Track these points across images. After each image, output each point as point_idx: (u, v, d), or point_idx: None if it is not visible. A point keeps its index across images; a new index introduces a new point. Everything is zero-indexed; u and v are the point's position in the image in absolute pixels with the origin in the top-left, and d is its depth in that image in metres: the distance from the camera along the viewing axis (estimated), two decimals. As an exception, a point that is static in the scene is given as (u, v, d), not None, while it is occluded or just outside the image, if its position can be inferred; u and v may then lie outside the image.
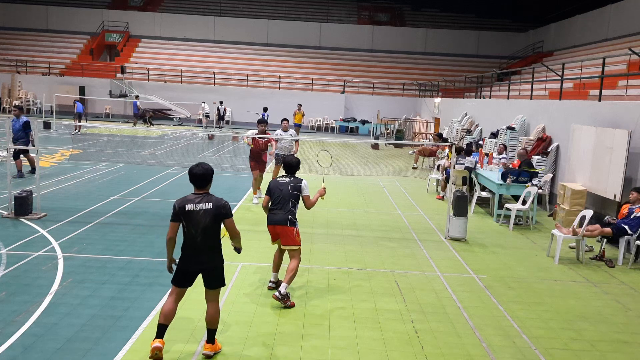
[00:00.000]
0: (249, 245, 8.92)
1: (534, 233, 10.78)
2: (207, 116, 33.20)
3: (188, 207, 5.07)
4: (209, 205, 5.09)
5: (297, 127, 29.24)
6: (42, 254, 7.87)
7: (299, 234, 6.73)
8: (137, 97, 32.73)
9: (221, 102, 32.82)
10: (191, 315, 6.06)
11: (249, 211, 11.41)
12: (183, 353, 5.26)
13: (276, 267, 7.01)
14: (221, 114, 32.72)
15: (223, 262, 5.30)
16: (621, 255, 8.81)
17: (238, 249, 5.48)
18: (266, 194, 6.76)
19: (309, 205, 6.75)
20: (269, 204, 6.72)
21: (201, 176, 5.14)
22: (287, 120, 13.40)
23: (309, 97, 35.84)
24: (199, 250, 5.15)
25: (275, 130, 13.31)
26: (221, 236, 5.35)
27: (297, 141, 13.30)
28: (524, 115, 15.96)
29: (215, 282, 5.26)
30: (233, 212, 10.95)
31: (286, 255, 6.86)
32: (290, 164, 6.88)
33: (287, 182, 6.68)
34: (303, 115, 29.80)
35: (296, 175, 6.86)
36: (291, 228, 6.61)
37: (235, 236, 5.34)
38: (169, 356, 5.18)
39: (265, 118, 26.21)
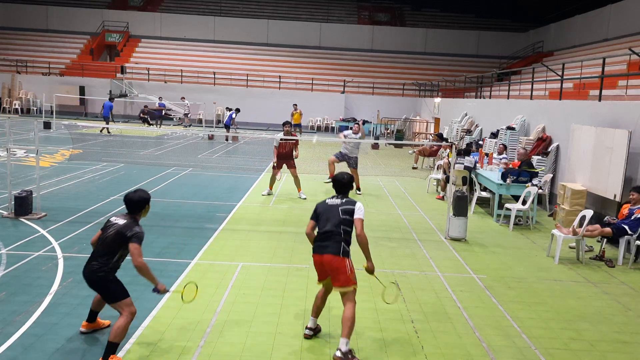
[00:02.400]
0: (248, 245, 8.93)
1: (534, 233, 10.78)
2: (186, 115, 33.20)
3: (112, 218, 5.32)
4: (121, 222, 5.22)
5: (297, 127, 29.27)
6: (42, 254, 7.87)
7: (353, 269, 5.46)
8: (160, 98, 32.87)
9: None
10: (191, 316, 6.06)
11: (249, 211, 11.41)
12: (183, 353, 5.26)
13: (316, 311, 5.73)
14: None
15: (107, 278, 5.11)
16: (621, 255, 8.81)
17: (156, 290, 5.20)
18: (312, 218, 5.67)
19: (359, 231, 5.39)
20: (316, 230, 5.62)
21: (131, 202, 5.32)
22: (359, 125, 13.97)
23: (309, 97, 35.85)
24: (92, 256, 5.23)
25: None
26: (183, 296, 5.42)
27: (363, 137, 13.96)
28: (524, 115, 15.96)
29: (103, 294, 5.17)
30: (232, 212, 11.03)
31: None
32: (341, 182, 5.71)
33: (338, 205, 5.54)
34: (300, 114, 29.84)
35: (347, 195, 5.72)
36: (343, 260, 5.35)
37: (137, 265, 5.05)
38: (167, 357, 5.18)
39: (233, 116, 26.32)
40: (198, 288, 5.60)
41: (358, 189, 13.87)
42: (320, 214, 5.58)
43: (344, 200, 5.58)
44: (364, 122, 35.42)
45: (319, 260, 5.47)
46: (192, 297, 5.50)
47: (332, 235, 5.40)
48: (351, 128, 13.97)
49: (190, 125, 33.30)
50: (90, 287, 5.20)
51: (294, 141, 12.91)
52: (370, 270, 5.54)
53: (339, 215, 5.46)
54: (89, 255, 5.29)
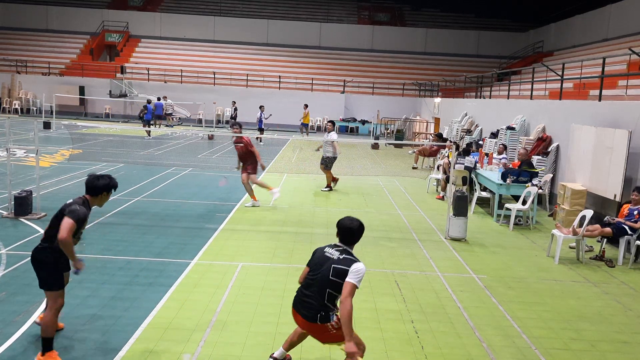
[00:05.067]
0: (248, 245, 8.92)
1: (534, 233, 10.78)
2: (169, 114, 33.18)
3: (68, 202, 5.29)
4: (69, 201, 5.21)
5: (304, 126, 29.42)
6: (42, 254, 7.85)
7: (340, 324, 4.41)
8: (158, 98, 32.77)
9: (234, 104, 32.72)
10: (191, 316, 6.06)
11: (249, 211, 11.41)
12: (183, 353, 5.25)
13: (288, 344, 5.01)
14: (232, 114, 32.75)
15: (46, 260, 5.00)
16: (621, 255, 8.81)
17: (76, 272, 5.08)
18: (307, 264, 4.73)
19: (343, 297, 4.30)
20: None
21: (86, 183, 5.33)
22: (332, 123, 14.26)
23: (309, 97, 35.83)
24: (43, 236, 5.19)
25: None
26: None
27: (333, 142, 13.81)
28: (524, 115, 15.96)
29: (38, 275, 5.07)
30: (232, 212, 11.02)
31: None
32: (349, 230, 4.54)
33: (333, 260, 4.43)
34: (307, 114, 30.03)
35: (351, 249, 4.59)
36: (323, 325, 4.47)
37: (60, 238, 4.88)
38: (167, 356, 5.17)
39: (262, 117, 26.08)
40: None
41: (328, 186, 14.05)
42: (314, 262, 4.61)
43: (342, 257, 4.41)
44: (364, 122, 35.63)
45: (295, 317, 4.66)
46: None
47: (313, 294, 4.46)
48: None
49: (174, 125, 33.07)
50: (32, 265, 5.09)
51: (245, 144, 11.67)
52: (350, 354, 4.24)
53: (328, 273, 4.39)
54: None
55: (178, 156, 19.34)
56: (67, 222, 4.94)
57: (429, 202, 13.45)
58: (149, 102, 29.33)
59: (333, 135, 13.88)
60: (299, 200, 12.80)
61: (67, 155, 18.28)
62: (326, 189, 13.99)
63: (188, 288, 6.87)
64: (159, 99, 32.27)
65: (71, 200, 5.19)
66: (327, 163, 13.94)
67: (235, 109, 31.66)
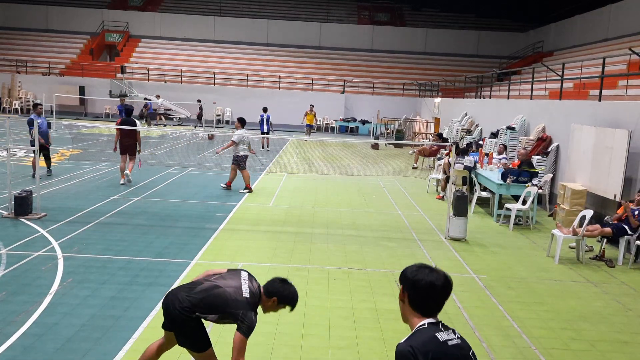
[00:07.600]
0: (248, 245, 8.92)
1: (534, 233, 10.78)
2: (160, 113, 33.29)
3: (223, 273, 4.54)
4: (232, 285, 4.34)
5: (310, 127, 29.43)
6: (42, 254, 7.86)
7: None
8: (144, 98, 32.74)
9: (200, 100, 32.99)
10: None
11: (249, 211, 11.42)
12: (183, 353, 5.25)
13: None
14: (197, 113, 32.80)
15: (188, 327, 4.29)
16: (621, 255, 8.81)
17: None
18: None
19: None
20: None
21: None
22: (238, 120, 13.85)
23: (309, 97, 35.83)
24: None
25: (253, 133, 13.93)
26: None
27: (232, 141, 13.36)
28: (524, 115, 15.96)
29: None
30: (232, 212, 11.03)
31: None
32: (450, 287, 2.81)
33: (466, 349, 2.68)
34: (314, 115, 30.12)
35: None
36: None
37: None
38: (167, 356, 5.17)
39: (265, 118, 25.74)
40: None
41: (247, 187, 13.32)
42: None
43: (458, 336, 2.72)
44: (364, 122, 35.62)
45: None
46: None
47: None
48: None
49: (165, 125, 33.10)
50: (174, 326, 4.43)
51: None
52: None
53: None
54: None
55: (178, 156, 19.35)
56: (239, 340, 3.95)
57: (429, 202, 13.45)
58: (122, 100, 28.96)
59: (237, 132, 13.22)
60: (299, 200, 12.80)
61: (67, 155, 18.29)
62: (245, 191, 13.25)
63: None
64: (145, 98, 32.20)
65: (235, 297, 4.10)
66: (238, 162, 13.20)
67: (200, 108, 32.29)
